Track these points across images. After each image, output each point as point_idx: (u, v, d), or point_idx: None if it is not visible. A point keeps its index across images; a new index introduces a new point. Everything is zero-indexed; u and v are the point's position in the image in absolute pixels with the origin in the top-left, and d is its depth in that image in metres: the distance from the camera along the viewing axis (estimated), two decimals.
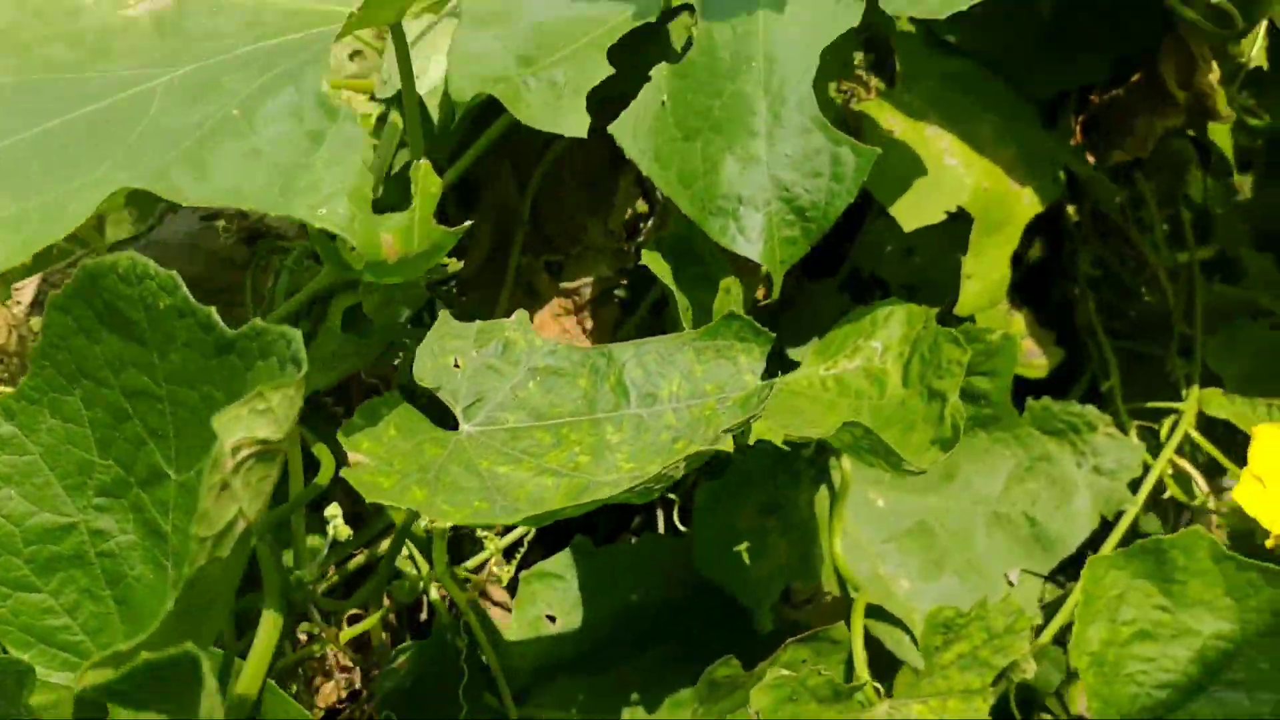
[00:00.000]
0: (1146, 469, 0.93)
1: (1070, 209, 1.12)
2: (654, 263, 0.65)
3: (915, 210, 0.82)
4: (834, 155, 0.60)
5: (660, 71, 0.63)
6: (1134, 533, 0.92)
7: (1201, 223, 1.18)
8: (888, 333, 0.73)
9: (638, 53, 0.68)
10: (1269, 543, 0.81)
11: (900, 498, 0.87)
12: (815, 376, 0.73)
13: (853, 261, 0.94)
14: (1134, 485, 0.90)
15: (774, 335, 0.57)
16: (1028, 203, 0.87)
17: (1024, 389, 0.94)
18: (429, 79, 0.69)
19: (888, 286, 0.94)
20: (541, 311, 0.84)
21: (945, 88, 0.90)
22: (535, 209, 0.83)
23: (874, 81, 0.88)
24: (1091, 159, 1.10)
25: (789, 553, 0.77)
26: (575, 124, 0.63)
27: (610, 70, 0.64)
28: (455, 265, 0.64)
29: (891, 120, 0.86)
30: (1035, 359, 0.93)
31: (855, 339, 0.74)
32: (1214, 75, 1.05)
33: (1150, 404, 0.96)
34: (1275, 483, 0.83)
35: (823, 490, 0.85)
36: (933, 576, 0.85)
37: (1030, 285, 1.05)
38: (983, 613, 0.73)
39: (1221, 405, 0.95)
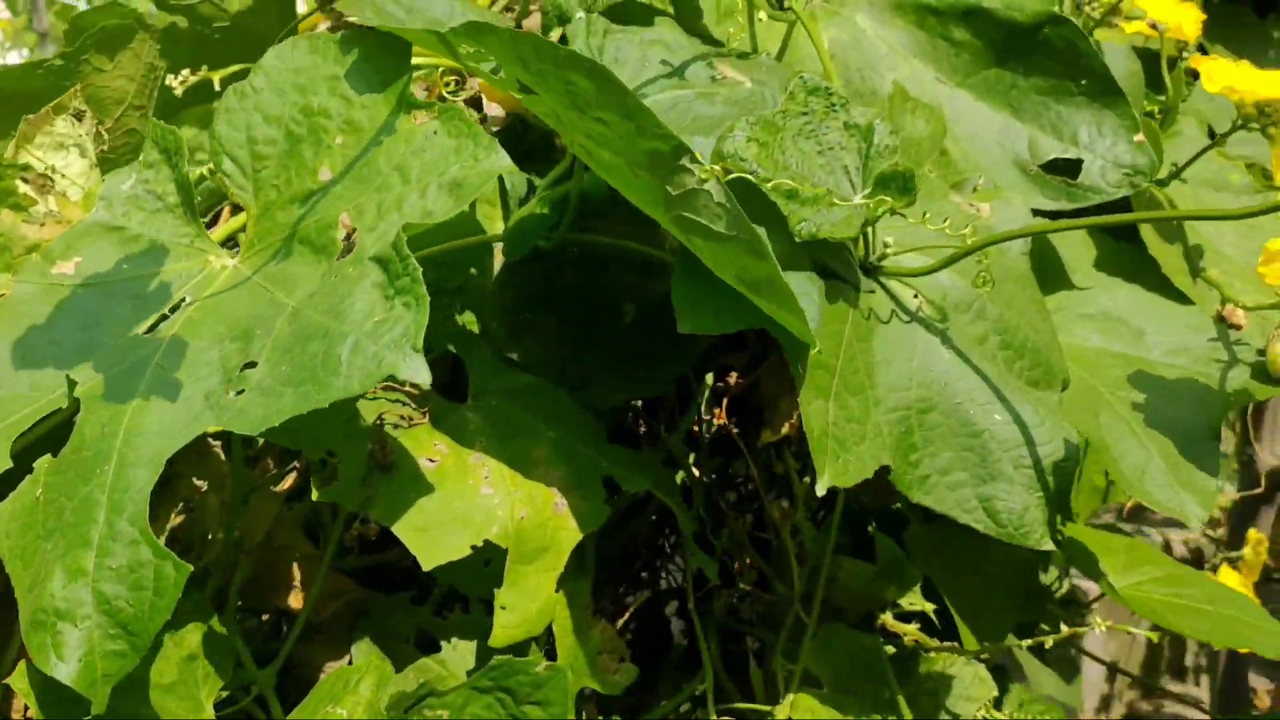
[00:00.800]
0: None
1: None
2: (19, 684, 0.64)
3: (437, 546, 0.82)
4: (157, 569, 0.61)
5: (42, 463, 0.64)
6: None
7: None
8: (356, 698, 0.73)
9: None
10: None
11: None
12: None
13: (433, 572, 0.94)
14: None
15: None
16: (574, 526, 0.87)
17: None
18: None
19: (466, 600, 0.94)
20: None
21: (510, 404, 0.92)
22: None
23: (428, 407, 0.89)
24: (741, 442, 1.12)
25: None
26: None
27: (10, 463, 0.65)
28: None
29: (437, 447, 0.87)
30: (611, 676, 0.92)
31: (328, 702, 0.73)
32: None
33: (740, 706, 0.95)
34: None
35: None
36: None
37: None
38: None
39: (811, 709, 0.94)
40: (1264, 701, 2.18)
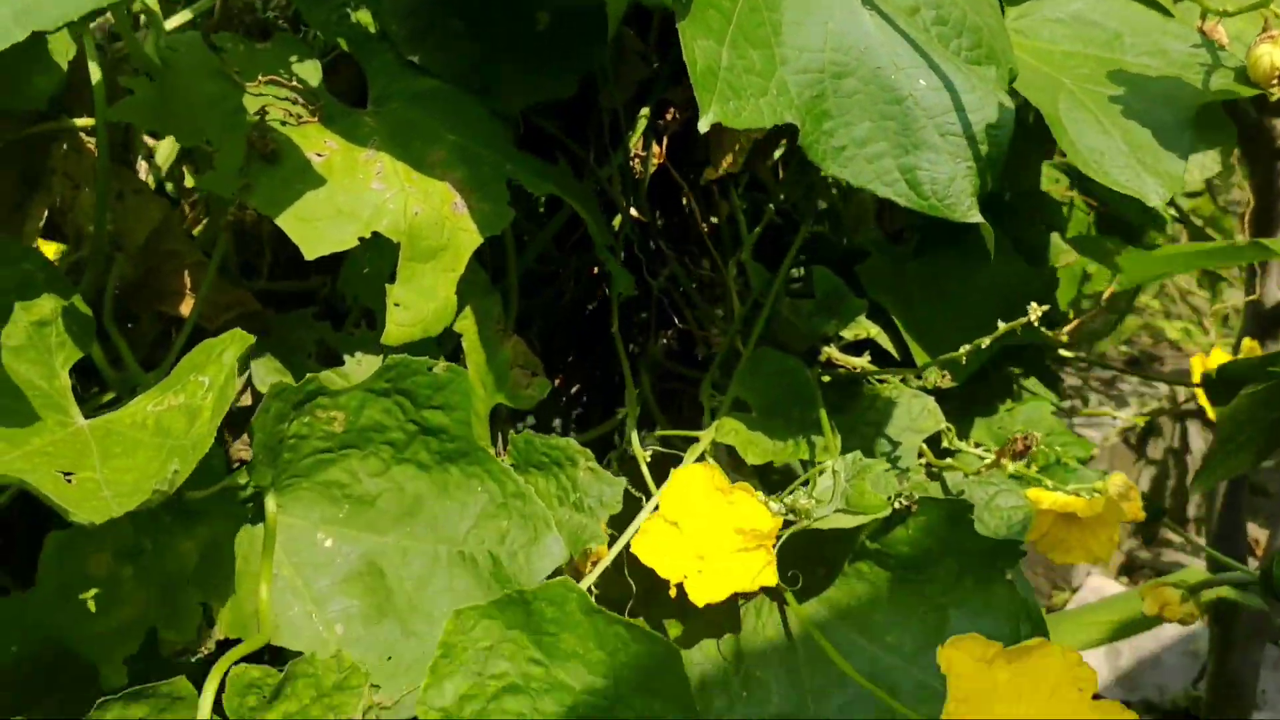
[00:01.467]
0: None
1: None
2: None
3: (322, 236, 0.77)
4: None
5: None
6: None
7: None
8: (218, 367, 0.69)
9: None
10: (672, 592, 0.75)
11: (352, 536, 0.82)
12: (141, 414, 0.69)
13: (336, 288, 0.89)
14: (620, 521, 0.84)
15: None
16: (473, 228, 0.82)
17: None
18: None
19: (371, 314, 0.89)
20: None
21: (412, 108, 0.86)
22: None
23: (320, 104, 0.83)
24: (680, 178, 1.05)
25: (152, 602, 0.72)
26: None
27: None
28: None
29: (327, 143, 0.81)
30: (524, 390, 0.88)
31: (192, 373, 0.69)
32: None
33: (667, 433, 0.91)
34: (689, 525, 0.78)
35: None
36: (373, 621, 0.80)
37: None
38: (310, 669, 0.68)
39: (732, 432, 0.89)
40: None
